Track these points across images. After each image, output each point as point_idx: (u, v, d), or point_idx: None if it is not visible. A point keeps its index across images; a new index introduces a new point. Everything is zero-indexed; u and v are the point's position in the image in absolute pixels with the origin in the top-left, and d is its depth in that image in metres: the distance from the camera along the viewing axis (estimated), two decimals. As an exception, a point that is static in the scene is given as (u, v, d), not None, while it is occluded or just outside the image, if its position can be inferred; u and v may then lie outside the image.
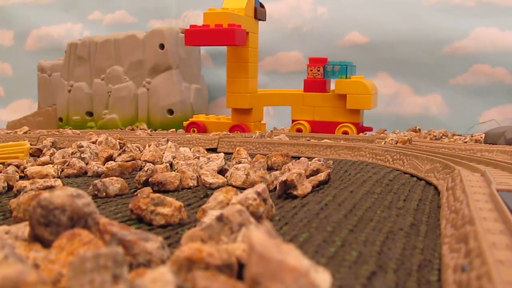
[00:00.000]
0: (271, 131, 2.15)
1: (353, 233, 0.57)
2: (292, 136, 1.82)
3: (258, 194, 0.63)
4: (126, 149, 1.20)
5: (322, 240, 0.53)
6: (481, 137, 1.98)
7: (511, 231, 0.49)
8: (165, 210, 0.65)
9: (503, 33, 2.59)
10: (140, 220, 0.66)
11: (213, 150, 1.52)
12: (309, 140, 1.65)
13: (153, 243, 0.47)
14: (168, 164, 1.09)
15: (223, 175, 0.97)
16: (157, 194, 0.68)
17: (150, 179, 0.91)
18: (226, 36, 1.92)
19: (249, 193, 0.63)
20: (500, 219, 0.54)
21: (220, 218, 0.51)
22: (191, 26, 1.99)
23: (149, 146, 1.26)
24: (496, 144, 1.68)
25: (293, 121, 2.21)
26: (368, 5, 2.77)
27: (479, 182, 0.76)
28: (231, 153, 1.29)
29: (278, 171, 0.99)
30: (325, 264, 0.46)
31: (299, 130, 2.17)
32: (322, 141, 1.52)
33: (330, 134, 1.96)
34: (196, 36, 1.97)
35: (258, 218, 0.63)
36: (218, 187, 0.89)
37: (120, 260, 0.35)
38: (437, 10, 2.70)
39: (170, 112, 2.61)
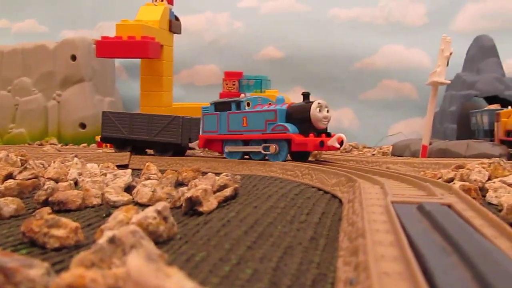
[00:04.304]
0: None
1: (251, 250, 0.57)
2: (206, 151, 1.81)
3: (158, 212, 0.62)
4: (28, 166, 1.13)
5: (218, 259, 0.53)
6: (389, 150, 2.07)
7: (400, 243, 0.51)
8: (60, 232, 0.62)
9: (408, 51, 2.74)
10: (33, 244, 0.63)
11: (125, 167, 1.48)
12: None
13: (37, 270, 0.44)
14: (72, 182, 1.04)
15: (130, 193, 0.94)
16: (52, 215, 0.64)
17: (50, 198, 0.86)
18: (139, 49, 1.89)
19: (149, 211, 0.62)
20: (391, 230, 0.56)
21: (112, 240, 0.49)
22: (102, 37, 1.94)
23: (54, 162, 1.20)
24: (402, 156, 1.77)
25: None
26: (283, 21, 2.84)
27: (378, 194, 0.79)
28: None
29: (186, 187, 0.97)
30: (217, 284, 0.46)
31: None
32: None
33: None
34: (107, 48, 1.92)
35: (158, 237, 0.62)
36: (123, 205, 0.86)
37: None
38: (348, 28, 2.82)
39: (83, 126, 2.52)
